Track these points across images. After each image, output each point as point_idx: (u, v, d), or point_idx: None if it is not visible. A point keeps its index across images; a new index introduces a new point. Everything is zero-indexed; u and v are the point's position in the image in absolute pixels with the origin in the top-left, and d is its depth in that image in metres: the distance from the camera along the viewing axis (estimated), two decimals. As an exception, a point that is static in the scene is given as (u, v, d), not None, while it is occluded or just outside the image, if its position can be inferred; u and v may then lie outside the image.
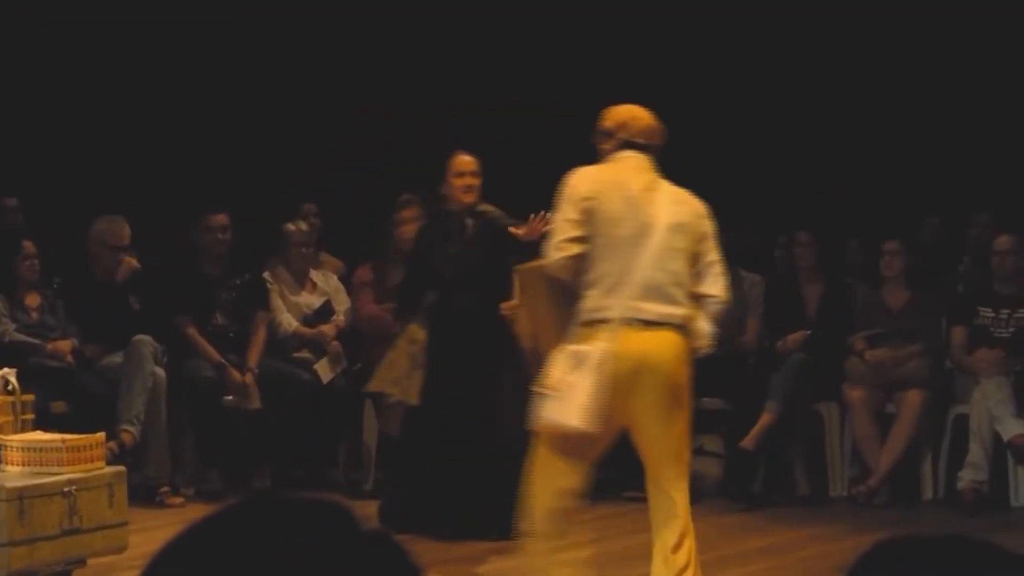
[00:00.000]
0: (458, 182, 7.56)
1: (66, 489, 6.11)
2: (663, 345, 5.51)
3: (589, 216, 5.51)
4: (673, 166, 10.66)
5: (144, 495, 8.21)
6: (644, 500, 8.68)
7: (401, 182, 8.93)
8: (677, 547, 5.68)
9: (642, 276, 5.47)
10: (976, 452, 8.55)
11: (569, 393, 5.37)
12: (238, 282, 9.05)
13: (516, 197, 7.82)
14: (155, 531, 7.07)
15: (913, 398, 8.75)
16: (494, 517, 7.37)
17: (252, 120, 10.90)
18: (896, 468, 8.76)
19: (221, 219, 9.08)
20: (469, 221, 7.57)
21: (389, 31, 11.30)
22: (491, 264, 7.54)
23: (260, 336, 8.97)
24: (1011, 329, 8.86)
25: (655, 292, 5.49)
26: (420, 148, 9.43)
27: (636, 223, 5.53)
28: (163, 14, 10.87)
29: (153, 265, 9.23)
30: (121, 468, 6.62)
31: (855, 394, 8.91)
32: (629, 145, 5.72)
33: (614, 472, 9.03)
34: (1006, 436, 8.47)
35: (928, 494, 8.87)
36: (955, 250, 10.07)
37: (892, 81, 10.41)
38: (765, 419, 8.84)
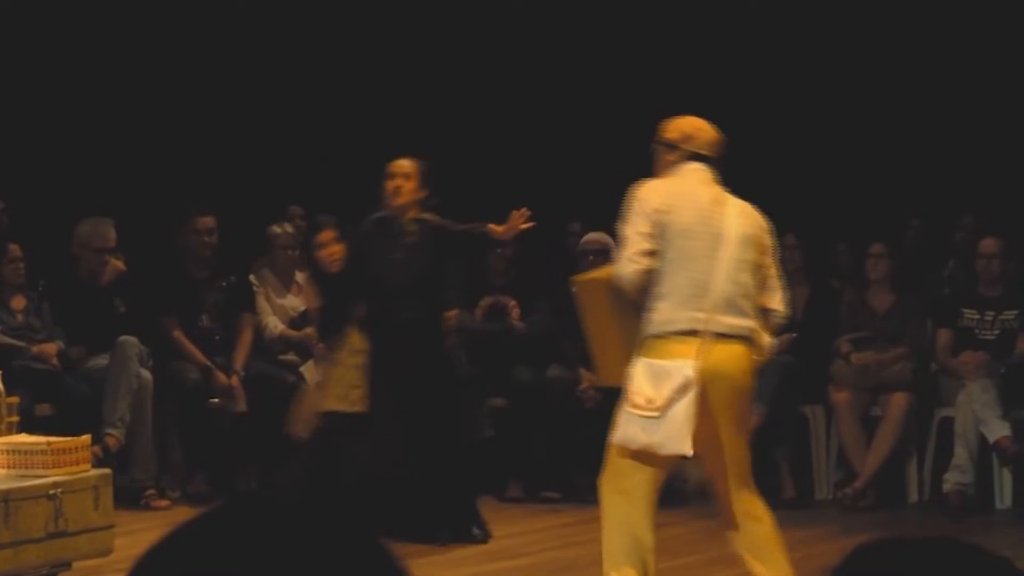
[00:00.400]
0: (388, 185, 7.46)
1: (51, 492, 6.10)
2: (734, 358, 5.54)
3: (661, 229, 5.53)
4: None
5: (130, 497, 8.20)
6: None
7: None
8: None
9: (715, 288, 5.51)
10: (961, 454, 8.56)
11: (666, 417, 5.36)
12: (224, 284, 9.05)
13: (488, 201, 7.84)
14: (141, 534, 7.06)
15: (898, 401, 8.77)
16: (442, 520, 7.37)
17: (238, 122, 10.89)
18: (881, 471, 8.78)
19: (207, 221, 9.09)
20: (413, 228, 7.44)
21: (376, 35, 11.29)
22: (434, 271, 7.56)
23: (246, 338, 8.96)
24: (996, 331, 8.88)
25: (727, 304, 5.52)
26: (406, 151, 9.41)
27: (708, 236, 5.56)
28: (149, 17, 10.85)
29: (138, 267, 9.22)
30: (106, 471, 6.61)
31: (841, 397, 8.92)
32: (695, 157, 5.75)
33: (598, 475, 9.05)
34: (991, 438, 8.48)
35: (913, 496, 8.89)
36: (940, 253, 10.08)
37: (877, 85, 10.43)
38: (751, 421, 8.83)
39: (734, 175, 11.01)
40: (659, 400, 5.35)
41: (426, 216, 7.47)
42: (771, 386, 8.88)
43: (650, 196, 5.60)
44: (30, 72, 10.46)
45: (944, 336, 8.94)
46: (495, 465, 9.06)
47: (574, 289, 6.18)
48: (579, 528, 8.17)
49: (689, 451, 5.41)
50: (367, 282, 7.46)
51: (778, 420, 8.91)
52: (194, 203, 9.37)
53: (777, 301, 5.75)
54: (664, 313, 5.49)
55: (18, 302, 8.76)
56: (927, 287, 9.65)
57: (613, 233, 9.37)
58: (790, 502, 8.85)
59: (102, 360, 8.63)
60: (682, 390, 5.35)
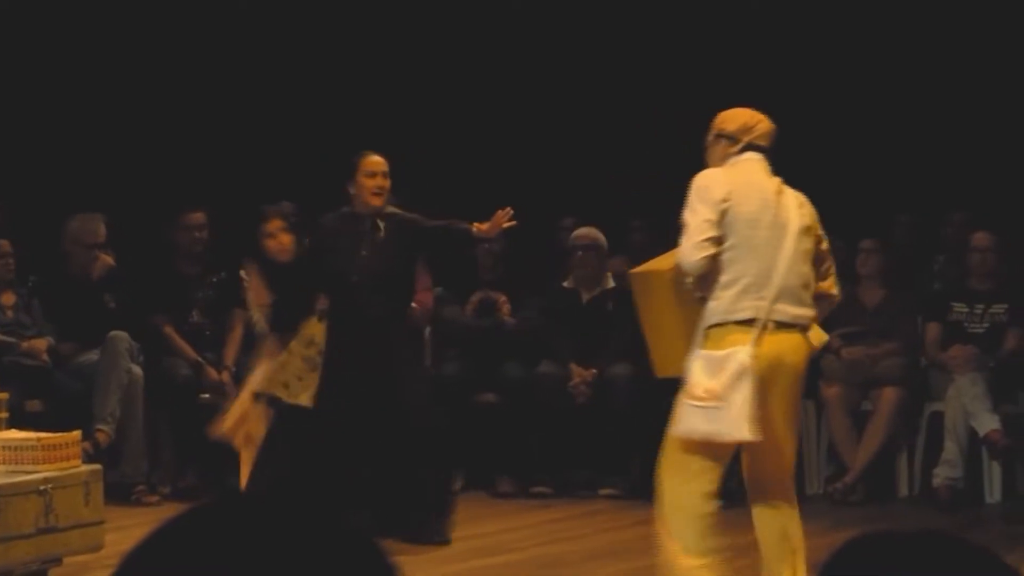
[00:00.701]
0: (369, 183, 7.23)
1: (42, 488, 6.09)
2: (794, 347, 5.63)
3: (726, 218, 5.59)
4: (645, 167, 10.66)
5: (120, 493, 8.19)
6: (619, 498, 8.75)
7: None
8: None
9: (778, 278, 5.58)
10: (951, 449, 8.58)
11: (726, 404, 5.43)
12: (215, 280, 9.04)
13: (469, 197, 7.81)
14: (131, 529, 7.05)
15: (889, 395, 8.78)
16: (399, 516, 7.31)
17: (229, 118, 10.87)
18: (872, 465, 8.79)
19: (198, 217, 9.11)
20: (381, 224, 7.27)
21: (366, 33, 11.28)
22: (404, 267, 7.50)
23: (237, 334, 8.95)
24: (985, 325, 8.90)
25: (789, 294, 5.61)
26: (394, 146, 9.41)
27: (772, 225, 5.64)
28: (138, 15, 10.84)
29: (129, 263, 9.21)
30: (97, 466, 6.61)
31: (831, 392, 8.93)
32: (752, 148, 5.82)
33: (588, 471, 9.06)
34: (981, 432, 8.50)
35: (904, 491, 8.90)
36: (930, 248, 10.10)
37: (868, 81, 10.42)
38: (741, 416, 8.85)
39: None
40: (718, 389, 5.44)
41: (395, 211, 7.38)
42: (762, 381, 8.90)
43: (714, 185, 5.66)
44: (20, 69, 10.44)
45: (934, 330, 8.95)
46: (486, 461, 9.06)
47: (633, 280, 6.17)
48: (570, 524, 8.18)
49: (749, 436, 5.49)
50: (334, 278, 7.28)
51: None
52: (185, 199, 9.37)
53: (833, 285, 5.89)
54: (727, 302, 5.56)
55: (8, 298, 8.75)
56: (917, 282, 9.66)
57: (603, 228, 9.41)
58: (781, 497, 8.86)
59: (92, 356, 8.62)
60: (739, 376, 5.43)
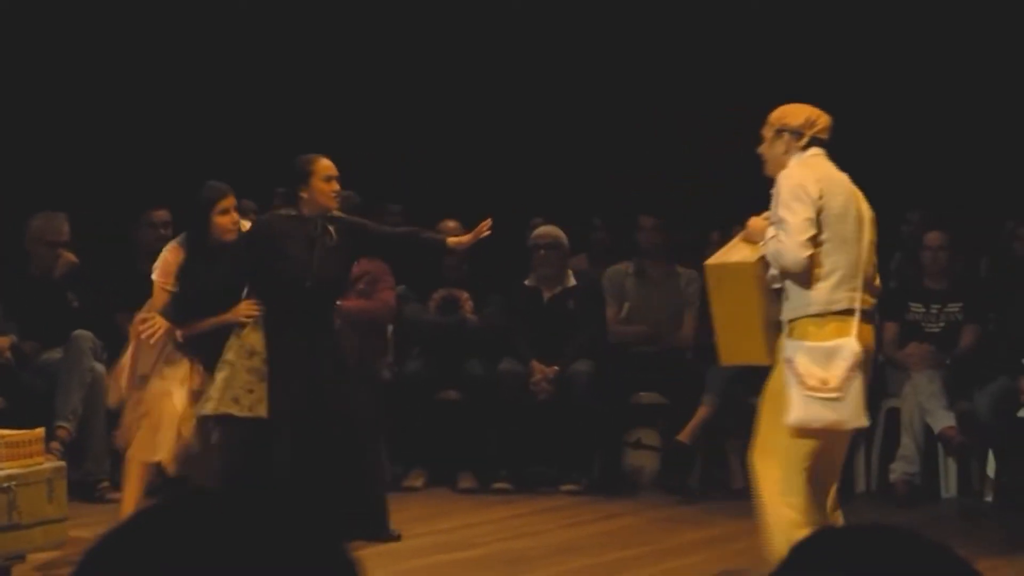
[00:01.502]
0: (328, 187, 7.08)
1: (5, 485, 6.07)
2: (871, 334, 5.96)
3: (820, 214, 5.83)
4: (612, 163, 10.67)
5: (84, 490, 8.16)
6: (579, 494, 8.77)
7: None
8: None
9: (863, 269, 5.89)
10: (908, 445, 8.63)
11: (845, 394, 5.71)
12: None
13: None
14: (95, 526, 7.01)
15: (846, 392, 8.81)
16: (359, 519, 7.27)
17: (192, 117, 10.84)
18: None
19: (162, 215, 9.09)
20: (330, 227, 7.12)
21: (340, 34, 11.27)
22: (348, 271, 7.47)
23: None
24: (941, 324, 8.95)
25: (868, 284, 5.90)
26: (370, 146, 9.43)
27: (855, 219, 5.93)
28: (102, 14, 10.79)
29: (92, 262, 9.16)
30: (61, 463, 6.59)
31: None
32: (817, 143, 6.03)
33: (550, 467, 9.08)
34: (936, 428, 8.55)
35: (861, 486, 8.95)
36: (887, 248, 10.14)
37: (826, 80, 10.45)
38: (702, 413, 8.89)
39: (684, 169, 11.04)
40: (834, 380, 5.70)
41: (339, 215, 7.26)
42: (722, 378, 8.93)
43: (808, 184, 5.85)
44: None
45: (891, 329, 9.00)
46: (447, 457, 9.07)
47: (710, 272, 6.24)
48: (531, 519, 8.19)
49: (866, 423, 5.96)
50: (288, 282, 7.05)
51: (728, 411, 8.95)
52: (148, 197, 9.33)
53: (877, 276, 6.10)
54: (824, 293, 5.79)
55: (-29, 296, 8.70)
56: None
57: (564, 227, 9.42)
58: (740, 492, 8.89)
59: (56, 354, 8.58)
60: (854, 367, 5.72)
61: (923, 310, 8.99)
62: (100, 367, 8.54)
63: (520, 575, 6.86)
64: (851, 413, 5.74)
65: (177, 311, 7.05)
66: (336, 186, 7.12)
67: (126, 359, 7.20)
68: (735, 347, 6.15)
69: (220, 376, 7.01)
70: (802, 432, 5.77)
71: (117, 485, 8.49)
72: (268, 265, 7.03)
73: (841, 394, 5.71)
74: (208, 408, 6.98)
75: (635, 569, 6.98)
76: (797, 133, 6.04)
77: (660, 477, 9.12)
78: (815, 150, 6.02)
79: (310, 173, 7.09)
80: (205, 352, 7.16)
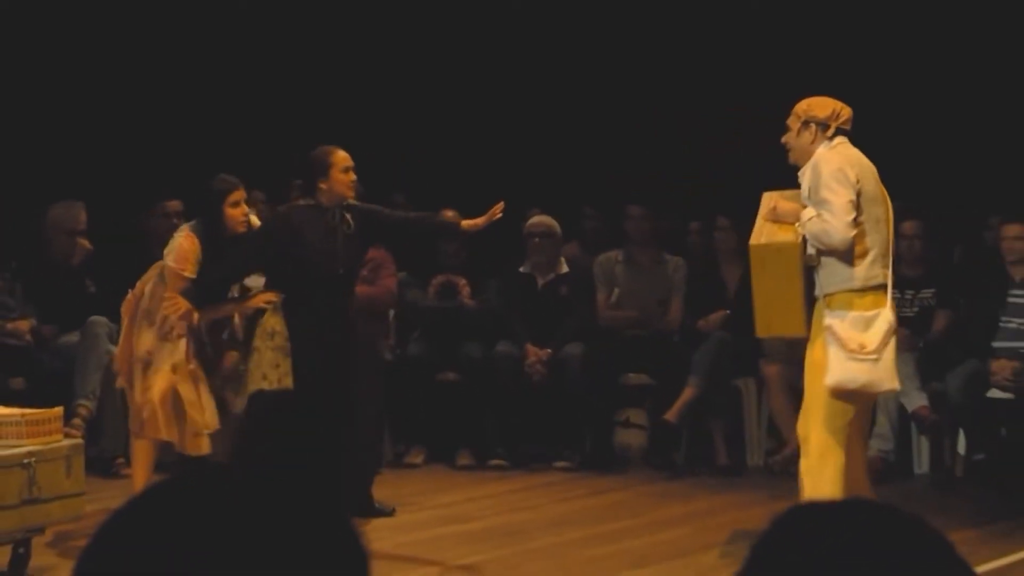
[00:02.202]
0: (346, 177, 7.06)
1: (25, 461, 6.06)
2: (894, 308, 6.22)
3: (857, 197, 6.08)
4: (603, 155, 10.63)
5: (100, 466, 8.16)
6: (571, 470, 8.77)
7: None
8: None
9: (891, 248, 6.22)
10: (883, 424, 8.63)
11: (880, 358, 6.00)
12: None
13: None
14: (111, 500, 7.00)
15: (825, 373, 8.82)
16: (352, 491, 7.28)
17: (202, 110, 10.82)
18: (809, 439, 8.83)
19: (174, 205, 9.10)
20: (347, 215, 7.11)
21: (341, 29, 11.24)
22: (364, 255, 7.47)
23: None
24: (915, 309, 8.96)
25: (891, 262, 6.21)
26: (374, 139, 9.38)
27: (883, 201, 6.20)
28: (119, 9, 10.77)
29: (108, 249, 9.15)
30: (78, 440, 6.58)
31: (771, 370, 8.97)
32: (841, 132, 6.23)
33: (543, 445, 9.08)
34: (910, 408, 8.56)
35: (839, 463, 8.95)
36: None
37: (800, 73, 10.42)
38: (687, 393, 8.89)
39: (670, 161, 11.01)
40: (871, 345, 5.97)
41: (356, 203, 7.29)
42: (707, 360, 8.93)
43: (847, 168, 6.08)
44: (2, 62, 10.36)
45: (868, 313, 8.99)
46: (447, 435, 9.07)
47: (755, 252, 6.30)
48: (526, 494, 8.20)
49: (898, 386, 6.32)
50: (316, 269, 7.03)
51: (713, 392, 8.96)
52: (160, 187, 9.32)
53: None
54: (864, 270, 6.06)
55: (-8, 282, 8.70)
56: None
57: (557, 216, 9.41)
58: (724, 468, 8.91)
59: (73, 337, 8.58)
60: (889, 334, 6.03)
61: (898, 295, 8.98)
62: (115, 350, 8.53)
63: (516, 546, 6.87)
64: (885, 375, 6.00)
65: (196, 296, 7.00)
66: (353, 176, 7.12)
67: (122, 341, 7.18)
68: (774, 321, 6.30)
69: (252, 364, 7.03)
70: (840, 395, 6.00)
71: (130, 462, 8.50)
72: (291, 254, 6.99)
73: (877, 356, 5.97)
74: (240, 400, 7.01)
75: (624, 540, 6.99)
76: (824, 124, 6.23)
77: (648, 454, 9.12)
78: (840, 139, 6.22)
79: (330, 165, 7.07)
80: (215, 337, 7.16)
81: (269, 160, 10.44)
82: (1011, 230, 8.68)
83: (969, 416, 8.60)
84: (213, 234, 7.04)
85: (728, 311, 9.16)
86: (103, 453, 8.38)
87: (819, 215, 6.04)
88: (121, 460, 8.44)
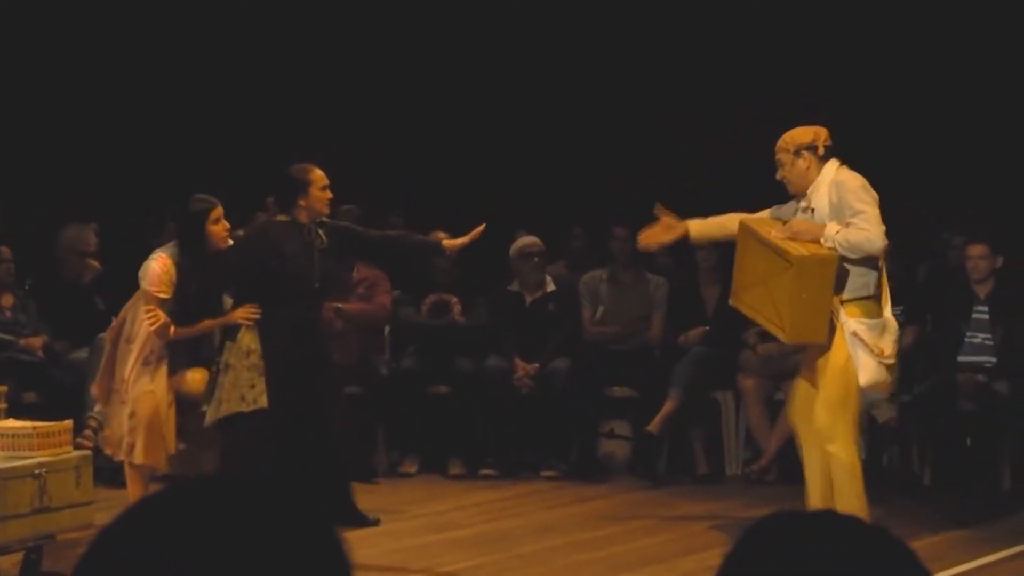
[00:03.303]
0: (323, 195, 7.04)
1: (36, 471, 6.04)
2: None
3: None
4: (586, 177, 10.59)
5: (109, 476, 8.11)
6: (558, 479, 8.76)
7: (348, 185, 8.65)
8: None
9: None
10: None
11: (894, 361, 6.39)
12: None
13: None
14: (119, 510, 6.97)
15: (799, 386, 8.82)
16: (331, 502, 7.22)
17: (213, 133, 10.80)
18: (784, 449, 8.82)
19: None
20: (320, 232, 7.07)
21: (315, 41, 11.21)
22: (338, 270, 7.45)
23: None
24: (885, 325, 8.96)
25: None
26: (366, 155, 9.39)
27: None
28: (128, 32, 10.75)
29: (117, 268, 9.13)
30: (87, 452, 6.57)
31: (748, 383, 8.97)
32: (829, 152, 6.42)
33: (531, 454, 9.06)
34: (880, 419, 8.55)
35: (812, 471, 8.93)
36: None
37: (777, 86, 10.39)
38: (668, 406, 8.88)
39: (651, 185, 10.99)
40: (888, 350, 6.29)
41: (328, 221, 7.20)
42: (687, 374, 8.93)
43: (867, 183, 6.32)
44: (15, 85, 10.34)
45: (839, 329, 9.00)
46: (439, 445, 9.05)
47: (799, 262, 6.34)
48: (515, 501, 8.18)
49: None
50: (295, 283, 6.97)
51: (693, 404, 8.95)
52: (169, 210, 9.32)
53: None
54: (875, 278, 6.36)
55: (7, 299, 8.68)
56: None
57: (545, 236, 9.40)
58: (704, 477, 8.90)
59: (83, 353, 8.56)
60: (898, 342, 6.44)
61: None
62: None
63: (504, 552, 6.85)
64: (893, 377, 6.43)
65: (174, 315, 6.95)
66: (329, 193, 7.11)
67: (103, 367, 7.10)
68: (805, 328, 6.37)
69: (225, 380, 6.91)
70: (859, 391, 6.32)
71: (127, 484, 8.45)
72: (268, 268, 6.95)
73: (894, 361, 6.33)
74: (221, 411, 6.90)
75: (608, 546, 6.97)
76: (813, 147, 6.38)
77: (631, 463, 9.11)
78: (833, 159, 6.39)
79: (309, 183, 7.06)
80: (190, 354, 7.10)
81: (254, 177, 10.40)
82: (975, 250, 8.68)
83: (936, 427, 8.60)
84: (198, 254, 6.97)
85: (707, 327, 9.16)
86: (112, 463, 8.33)
87: (853, 225, 6.22)
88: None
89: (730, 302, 6.94)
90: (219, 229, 7.01)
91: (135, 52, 10.74)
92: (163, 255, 7.00)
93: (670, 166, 10.72)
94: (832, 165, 6.38)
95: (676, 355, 9.14)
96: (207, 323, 7.07)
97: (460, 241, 7.25)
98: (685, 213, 10.07)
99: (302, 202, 7.03)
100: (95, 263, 8.99)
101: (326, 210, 7.11)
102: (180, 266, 6.94)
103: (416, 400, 9.00)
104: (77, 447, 6.68)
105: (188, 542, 1.12)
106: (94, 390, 7.23)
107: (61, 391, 8.38)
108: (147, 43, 10.79)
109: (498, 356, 9.05)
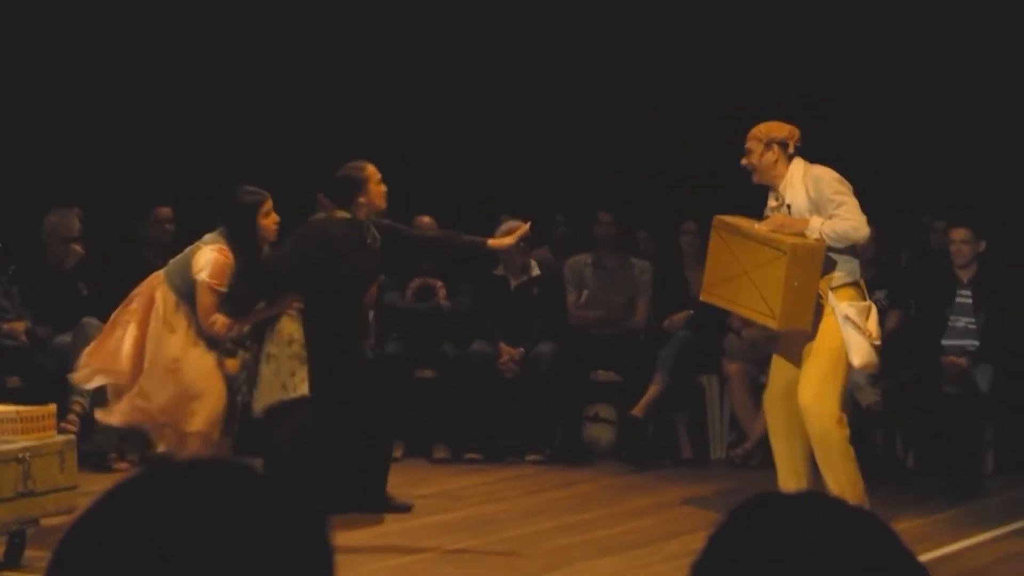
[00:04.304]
0: (380, 189, 7.07)
1: (20, 455, 6.03)
2: None
3: None
4: (570, 164, 10.58)
5: (93, 461, 8.11)
6: (543, 463, 8.77)
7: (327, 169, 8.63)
8: None
9: None
10: (839, 418, 8.65)
11: (878, 345, 6.61)
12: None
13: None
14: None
15: (783, 371, 8.84)
16: (369, 489, 7.27)
17: (193, 120, 10.77)
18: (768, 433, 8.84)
19: (166, 211, 9.13)
20: (373, 228, 7.10)
21: (326, 36, 11.20)
22: (383, 269, 7.48)
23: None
24: (869, 309, 8.99)
25: None
26: (363, 150, 9.35)
27: None
28: (114, 19, 10.71)
29: (100, 254, 9.12)
30: (71, 436, 6.56)
31: (733, 368, 8.99)
32: (797, 151, 6.65)
33: (516, 439, 9.07)
34: (864, 403, 8.57)
35: (797, 455, 8.96)
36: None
37: (759, 74, 10.41)
38: (653, 390, 8.90)
39: (636, 171, 10.96)
40: (874, 331, 6.55)
41: (379, 219, 7.19)
42: (671, 358, 8.94)
43: (842, 176, 6.56)
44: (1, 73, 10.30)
45: (823, 313, 9.02)
46: (424, 430, 9.05)
47: (793, 251, 6.51)
48: (500, 485, 8.19)
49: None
50: (355, 279, 7.05)
51: (678, 388, 8.97)
52: (151, 196, 9.31)
53: None
54: (858, 266, 6.63)
55: (-10, 285, 8.65)
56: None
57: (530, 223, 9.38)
58: (688, 461, 8.92)
59: (66, 338, 8.53)
60: (877, 322, 6.63)
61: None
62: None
63: (489, 536, 6.85)
64: (878, 358, 6.63)
65: (233, 307, 6.87)
66: (384, 186, 7.11)
67: (122, 342, 7.02)
68: (794, 315, 6.54)
69: (267, 369, 6.88)
70: (848, 371, 6.57)
71: (123, 456, 8.46)
72: (327, 265, 6.89)
73: (880, 343, 6.59)
74: (263, 402, 6.86)
75: (594, 530, 6.98)
76: (785, 144, 6.59)
77: (615, 448, 9.12)
78: (798, 158, 6.59)
79: (366, 179, 7.04)
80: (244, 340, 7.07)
81: (258, 167, 10.39)
82: (958, 234, 8.71)
83: (919, 410, 8.62)
84: (247, 246, 6.90)
85: (692, 311, 9.17)
86: (96, 448, 8.32)
87: (838, 216, 6.46)
88: (113, 455, 8.40)
89: (701, 297, 7.04)
90: (269, 223, 6.93)
91: (115, 36, 10.69)
92: (223, 247, 6.85)
93: (653, 152, 10.73)
94: (799, 163, 6.62)
95: (661, 339, 9.15)
96: (263, 312, 6.94)
97: (506, 241, 7.39)
98: (672, 201, 10.15)
99: (362, 199, 7.02)
100: (78, 248, 8.96)
101: (384, 204, 7.11)
102: (235, 257, 6.85)
103: (401, 384, 9.00)
104: (61, 431, 6.66)
105: (168, 523, 1.11)
106: (93, 362, 7.02)
107: (44, 376, 8.36)
108: (127, 27, 10.75)
109: (483, 341, 9.05)
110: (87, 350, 7.08)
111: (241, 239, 6.89)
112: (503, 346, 8.98)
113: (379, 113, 11.00)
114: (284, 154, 10.59)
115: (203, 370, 6.87)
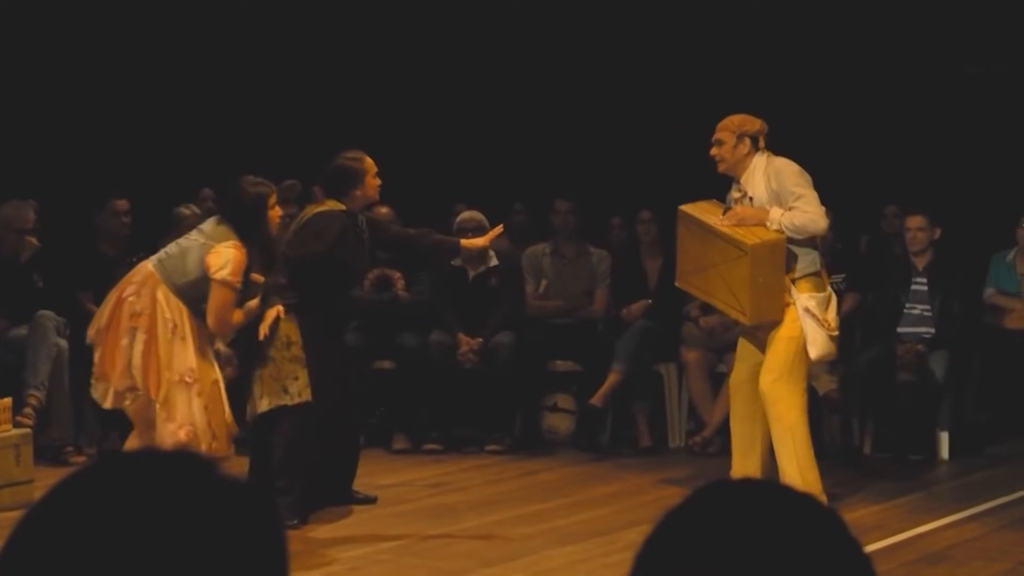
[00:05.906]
0: (376, 182, 6.99)
1: (-25, 450, 5.99)
2: None
3: None
4: (527, 153, 10.59)
5: (49, 455, 8.06)
6: (502, 453, 8.79)
7: (298, 171, 8.61)
8: None
9: None
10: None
11: (837, 335, 6.73)
12: (133, 260, 8.88)
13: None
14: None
15: (741, 358, 8.88)
16: (341, 482, 7.26)
17: (151, 111, 10.71)
18: (727, 421, 8.88)
19: (123, 204, 9.06)
20: (362, 220, 7.05)
21: (299, 29, 11.15)
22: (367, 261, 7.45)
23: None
24: (827, 295, 9.04)
25: None
26: (322, 139, 9.33)
27: None
28: (77, 9, 10.62)
29: (56, 246, 9.05)
30: (27, 430, 6.51)
31: (691, 356, 9.02)
32: (766, 144, 6.77)
33: (475, 429, 9.08)
34: (821, 391, 8.63)
35: (755, 443, 9.00)
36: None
37: (716, 63, 10.46)
38: (612, 379, 8.92)
39: (594, 158, 10.97)
40: (833, 322, 6.68)
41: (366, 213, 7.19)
42: (630, 347, 8.96)
43: (802, 169, 6.68)
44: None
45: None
46: (383, 421, 9.05)
47: (755, 249, 6.59)
48: (458, 476, 8.19)
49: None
50: (353, 272, 7.04)
51: (636, 377, 8.99)
52: (108, 187, 9.25)
53: None
54: (816, 256, 6.72)
55: (-56, 278, 8.57)
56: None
57: (486, 212, 9.40)
58: (647, 450, 8.94)
59: (22, 331, 8.47)
60: (836, 312, 6.75)
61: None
62: (63, 342, 8.45)
63: (449, 526, 6.86)
64: (836, 347, 6.78)
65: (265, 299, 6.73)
66: (379, 180, 7.03)
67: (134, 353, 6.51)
68: (764, 309, 6.66)
69: (265, 372, 6.75)
70: (810, 362, 6.70)
71: (80, 450, 8.41)
72: (329, 255, 6.82)
73: (837, 333, 6.71)
74: (264, 405, 6.73)
75: (553, 520, 6.99)
76: (755, 137, 6.73)
77: (575, 437, 9.14)
78: (764, 150, 6.72)
79: (364, 171, 6.96)
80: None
81: (221, 156, 10.35)
82: (914, 221, 8.76)
83: (875, 397, 8.69)
84: (257, 239, 6.62)
85: (650, 300, 9.20)
86: (52, 442, 8.27)
87: (797, 209, 6.57)
88: (70, 448, 8.36)
89: (677, 284, 7.11)
90: (275, 215, 6.69)
91: (74, 27, 10.62)
92: (238, 243, 6.53)
93: (610, 140, 10.75)
94: (763, 155, 6.75)
95: (619, 328, 9.17)
96: (249, 307, 6.69)
97: (479, 241, 7.45)
98: (629, 189, 10.18)
99: (358, 192, 6.94)
100: (34, 240, 8.89)
101: (377, 196, 7.10)
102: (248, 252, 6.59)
103: (360, 376, 8.98)
104: (17, 425, 6.62)
105: (116, 517, 1.11)
106: (107, 375, 6.53)
107: (0, 369, 8.29)
108: (86, 19, 10.67)
109: (442, 331, 9.05)
110: (97, 362, 6.54)
111: (253, 232, 6.59)
112: (462, 336, 8.98)
113: (333, 102, 10.97)
114: (241, 147, 10.56)
115: (210, 377, 6.56)
